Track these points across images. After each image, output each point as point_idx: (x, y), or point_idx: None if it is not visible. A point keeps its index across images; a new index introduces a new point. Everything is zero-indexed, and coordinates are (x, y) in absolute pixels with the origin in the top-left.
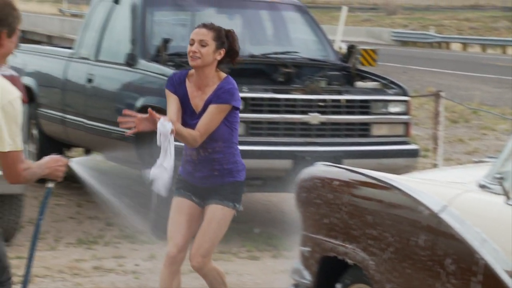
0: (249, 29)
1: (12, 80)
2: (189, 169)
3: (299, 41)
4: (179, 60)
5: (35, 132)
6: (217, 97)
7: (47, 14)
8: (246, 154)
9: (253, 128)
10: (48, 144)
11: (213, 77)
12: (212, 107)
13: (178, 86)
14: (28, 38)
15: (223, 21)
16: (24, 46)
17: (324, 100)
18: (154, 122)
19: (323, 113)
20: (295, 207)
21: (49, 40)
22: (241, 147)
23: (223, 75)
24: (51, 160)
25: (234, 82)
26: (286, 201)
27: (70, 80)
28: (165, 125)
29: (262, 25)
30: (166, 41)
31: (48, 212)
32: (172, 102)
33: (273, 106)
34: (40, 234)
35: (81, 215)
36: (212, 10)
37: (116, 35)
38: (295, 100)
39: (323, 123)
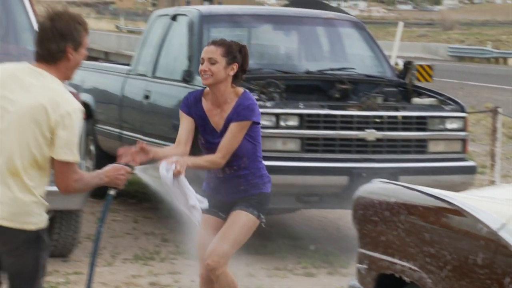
0: (305, 45)
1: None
2: (214, 185)
3: (356, 57)
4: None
5: (92, 148)
6: (237, 114)
7: (104, 30)
8: (302, 171)
9: (309, 144)
10: (105, 160)
11: (230, 94)
12: (233, 126)
13: (193, 106)
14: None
15: (280, 38)
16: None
17: (380, 117)
18: (148, 152)
19: (379, 129)
20: (352, 224)
21: (106, 56)
22: (297, 164)
23: (240, 90)
24: (112, 169)
25: (252, 97)
26: (342, 217)
27: (127, 97)
28: (168, 169)
29: (318, 41)
30: None
31: (105, 228)
32: (183, 124)
33: (329, 122)
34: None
35: (138, 231)
36: (268, 27)
37: (173, 51)
38: (351, 116)
39: (379, 140)
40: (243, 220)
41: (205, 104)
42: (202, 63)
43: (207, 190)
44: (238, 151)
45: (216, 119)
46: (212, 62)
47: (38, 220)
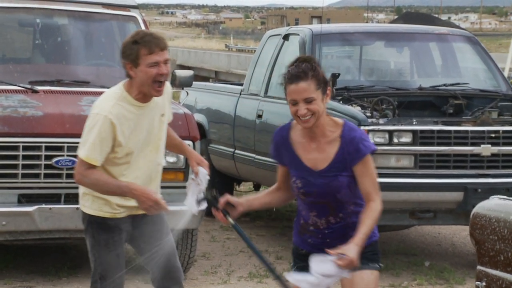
0: (417, 61)
1: (186, 118)
2: (314, 241)
3: (469, 72)
4: (347, 94)
5: None
6: (351, 153)
7: (214, 50)
8: (416, 187)
9: (423, 160)
10: (219, 178)
11: (327, 124)
12: (359, 169)
13: (282, 147)
14: (196, 74)
15: (392, 54)
16: (194, 83)
17: (495, 131)
18: (237, 206)
19: (494, 144)
20: (470, 241)
21: (216, 75)
22: (411, 180)
23: (338, 119)
24: (142, 191)
25: (353, 125)
26: (457, 233)
27: (240, 116)
28: (325, 261)
29: (431, 57)
30: (334, 76)
31: (219, 247)
32: (279, 169)
33: (443, 138)
34: (212, 267)
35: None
36: (380, 44)
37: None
38: (466, 132)
39: (494, 155)
40: (372, 282)
41: (295, 138)
42: (295, 104)
43: (302, 247)
44: (342, 195)
45: (312, 156)
46: (309, 101)
47: (87, 205)
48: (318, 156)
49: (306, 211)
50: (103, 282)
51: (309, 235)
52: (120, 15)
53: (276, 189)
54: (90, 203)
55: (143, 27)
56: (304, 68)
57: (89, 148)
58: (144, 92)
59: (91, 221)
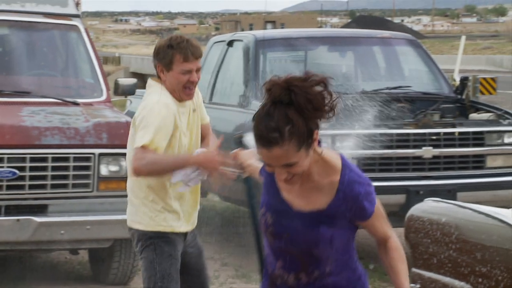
0: (361, 65)
1: (128, 126)
2: None
3: (412, 75)
4: None
5: None
6: (361, 210)
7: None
8: None
9: (366, 164)
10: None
11: (314, 165)
12: (371, 219)
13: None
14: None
15: (336, 58)
16: (138, 91)
17: (437, 134)
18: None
19: (436, 146)
20: (405, 243)
21: None
22: None
23: (334, 161)
24: (203, 157)
25: (357, 172)
26: (401, 236)
27: None
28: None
29: (374, 61)
30: None
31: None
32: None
33: (386, 141)
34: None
35: None
36: (324, 48)
37: (229, 77)
38: (407, 134)
39: (436, 157)
40: None
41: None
42: (269, 165)
43: None
44: (319, 251)
45: (293, 194)
46: (289, 165)
47: (145, 222)
48: (300, 197)
49: (272, 259)
50: None
51: None
52: (62, 24)
53: None
54: (148, 220)
55: (85, 36)
56: (276, 124)
57: (152, 133)
58: (175, 96)
59: (152, 236)
